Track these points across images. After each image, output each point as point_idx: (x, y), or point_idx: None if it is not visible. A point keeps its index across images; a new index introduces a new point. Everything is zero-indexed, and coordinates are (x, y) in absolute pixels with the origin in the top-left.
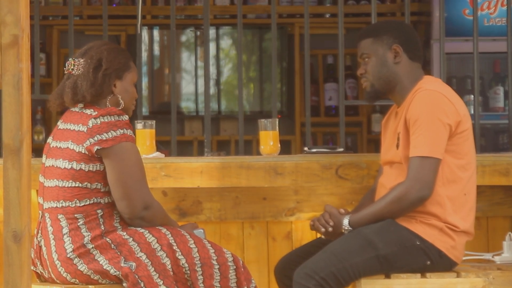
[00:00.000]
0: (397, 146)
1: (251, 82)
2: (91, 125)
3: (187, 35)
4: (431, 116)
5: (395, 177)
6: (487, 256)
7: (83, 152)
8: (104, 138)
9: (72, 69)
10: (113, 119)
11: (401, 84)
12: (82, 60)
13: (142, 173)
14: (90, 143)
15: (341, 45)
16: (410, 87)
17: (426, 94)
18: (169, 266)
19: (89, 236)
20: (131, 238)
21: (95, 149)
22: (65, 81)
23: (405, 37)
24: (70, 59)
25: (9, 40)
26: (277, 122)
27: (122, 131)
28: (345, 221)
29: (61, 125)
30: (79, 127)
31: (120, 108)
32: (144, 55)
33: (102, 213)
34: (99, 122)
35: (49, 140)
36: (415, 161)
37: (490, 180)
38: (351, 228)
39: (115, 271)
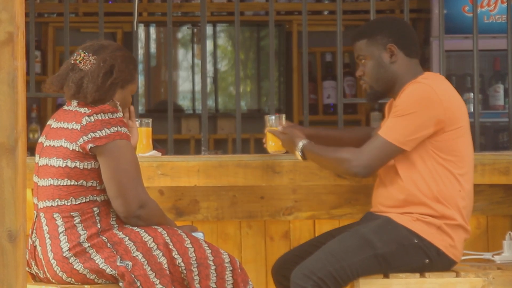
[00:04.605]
0: None
1: (248, 80)
2: (84, 123)
3: (184, 33)
4: (411, 107)
5: (388, 169)
6: (487, 255)
7: (77, 150)
8: (98, 136)
9: (80, 62)
10: (106, 117)
11: (400, 82)
12: (93, 57)
13: (137, 171)
14: (84, 140)
15: (340, 43)
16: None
17: (416, 86)
18: (166, 266)
19: (86, 235)
20: (127, 237)
21: (89, 147)
22: (68, 71)
23: (399, 34)
24: (80, 51)
25: (4, 37)
26: (284, 118)
27: (116, 128)
28: (300, 144)
29: (53, 124)
30: (73, 125)
31: None
32: (141, 52)
33: (98, 211)
34: (92, 120)
35: (42, 139)
36: (377, 140)
37: (490, 179)
38: (301, 153)
39: (111, 270)
